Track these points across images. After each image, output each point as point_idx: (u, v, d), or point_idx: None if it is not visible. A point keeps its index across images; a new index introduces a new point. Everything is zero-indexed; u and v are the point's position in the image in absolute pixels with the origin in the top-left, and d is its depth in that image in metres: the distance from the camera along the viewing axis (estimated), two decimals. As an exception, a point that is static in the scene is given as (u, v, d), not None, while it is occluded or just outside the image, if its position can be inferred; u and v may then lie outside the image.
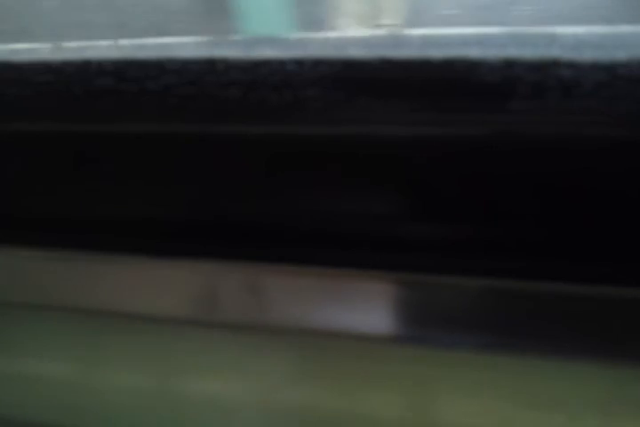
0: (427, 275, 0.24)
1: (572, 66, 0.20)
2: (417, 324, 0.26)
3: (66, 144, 0.26)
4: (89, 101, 0.24)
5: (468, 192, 0.23)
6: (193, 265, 0.28)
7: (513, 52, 0.21)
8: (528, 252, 0.23)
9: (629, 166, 0.21)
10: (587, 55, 0.20)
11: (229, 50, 0.23)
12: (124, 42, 0.26)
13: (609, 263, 0.22)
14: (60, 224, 0.29)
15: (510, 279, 0.23)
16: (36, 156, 0.27)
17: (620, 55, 0.20)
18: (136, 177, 0.27)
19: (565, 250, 0.22)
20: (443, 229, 0.23)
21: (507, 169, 0.22)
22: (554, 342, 0.24)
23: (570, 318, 0.23)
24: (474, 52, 0.21)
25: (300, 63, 0.22)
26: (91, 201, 0.28)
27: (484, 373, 0.27)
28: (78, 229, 0.28)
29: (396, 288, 0.25)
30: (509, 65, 0.20)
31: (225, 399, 0.33)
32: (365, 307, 0.26)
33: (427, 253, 0.24)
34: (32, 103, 0.25)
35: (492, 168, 0.23)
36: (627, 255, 0.22)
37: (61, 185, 0.27)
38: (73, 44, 0.26)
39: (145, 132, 0.25)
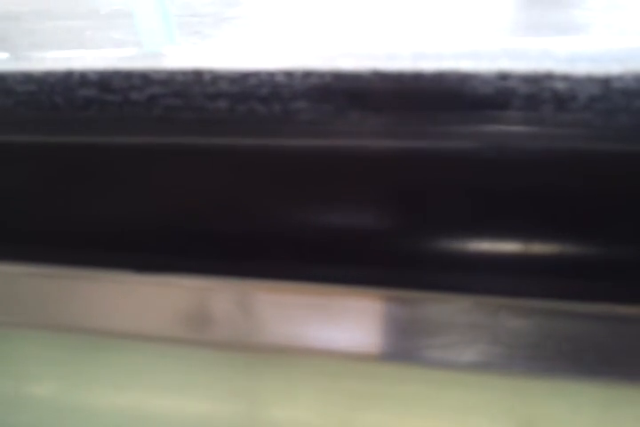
0: (419, 291, 0.24)
1: (566, 78, 0.19)
2: (408, 341, 0.25)
3: (48, 156, 0.26)
4: (72, 112, 0.24)
5: (460, 206, 0.22)
6: (179, 281, 0.27)
7: (507, 65, 0.20)
8: (520, 267, 0.22)
9: (624, 180, 0.21)
10: (580, 68, 0.20)
11: (216, 60, 0.23)
12: (108, 52, 0.25)
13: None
14: (41, 238, 0.28)
15: (503, 296, 0.23)
16: (16, 167, 0.26)
17: (615, 68, 0.20)
18: (121, 189, 0.26)
19: (548, 265, 0.22)
20: (437, 245, 0.23)
21: (500, 182, 0.22)
22: (551, 362, 0.23)
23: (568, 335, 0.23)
24: (467, 65, 0.21)
25: (289, 74, 0.22)
26: (73, 214, 0.27)
27: (477, 392, 0.26)
28: (61, 243, 0.28)
29: (387, 305, 0.25)
30: (503, 77, 0.20)
31: (211, 418, 0.33)
32: (357, 324, 0.26)
33: (421, 268, 0.23)
34: (14, 113, 0.25)
35: (485, 181, 0.22)
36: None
37: (42, 197, 0.27)
38: (56, 53, 0.26)
39: (129, 144, 0.25)
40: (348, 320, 0.26)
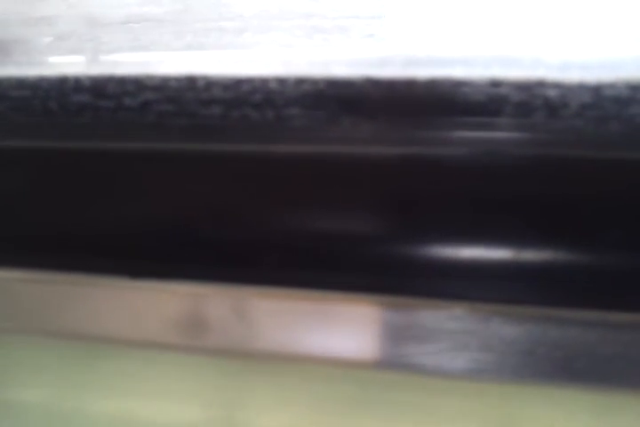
0: (411, 298, 0.24)
1: (558, 86, 0.20)
2: (400, 347, 0.25)
3: (42, 161, 0.26)
4: (65, 118, 0.24)
5: (452, 212, 0.22)
6: (173, 288, 0.27)
7: (499, 72, 0.20)
8: (512, 274, 0.22)
9: (615, 187, 0.21)
10: (573, 75, 0.20)
11: (210, 66, 0.23)
12: (102, 57, 0.25)
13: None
14: (34, 244, 0.28)
15: (495, 303, 0.23)
16: (10, 173, 0.26)
17: (607, 76, 0.20)
18: (115, 195, 0.26)
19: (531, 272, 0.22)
20: (428, 251, 0.23)
21: (492, 189, 0.22)
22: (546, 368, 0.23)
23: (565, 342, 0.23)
24: (459, 72, 0.21)
25: (282, 81, 0.22)
26: (67, 219, 0.27)
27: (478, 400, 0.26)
28: (54, 249, 0.28)
29: (380, 312, 0.25)
30: (495, 85, 0.20)
31: (204, 425, 0.32)
32: (350, 331, 0.26)
33: (412, 275, 0.23)
34: (7, 119, 0.25)
35: (476, 188, 0.22)
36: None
37: (36, 203, 0.27)
38: (50, 58, 0.26)
39: (123, 150, 0.25)
40: (340, 327, 0.26)
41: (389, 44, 0.22)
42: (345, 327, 0.26)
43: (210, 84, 0.22)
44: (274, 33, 0.25)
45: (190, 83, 0.22)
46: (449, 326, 0.23)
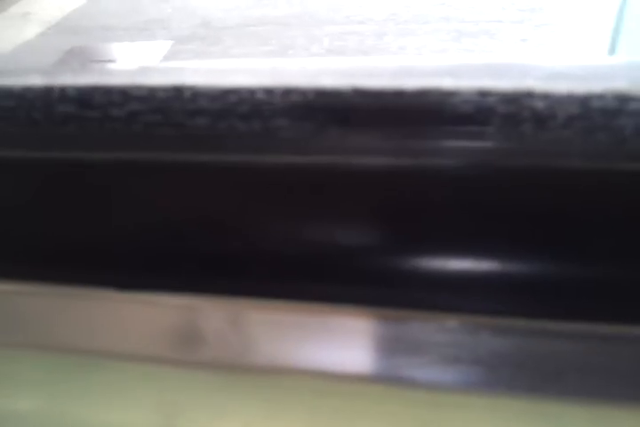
0: (401, 310, 0.23)
1: (546, 97, 0.19)
2: (391, 360, 0.25)
3: (27, 171, 0.25)
4: (51, 128, 0.23)
5: (441, 224, 0.22)
6: (164, 300, 0.27)
7: (487, 83, 0.20)
8: (501, 287, 0.22)
9: (603, 199, 0.21)
10: (561, 86, 0.20)
11: (197, 77, 0.23)
12: (89, 66, 0.25)
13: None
14: (21, 256, 0.27)
15: (492, 316, 0.23)
16: None
17: (595, 87, 0.20)
18: (103, 206, 0.26)
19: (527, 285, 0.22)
20: (417, 263, 0.23)
21: (480, 200, 0.22)
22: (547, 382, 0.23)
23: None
24: (447, 83, 0.20)
25: (269, 92, 0.21)
26: (57, 230, 0.27)
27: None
28: (49, 261, 0.27)
29: (371, 324, 0.25)
30: (483, 95, 0.20)
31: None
32: (340, 343, 0.25)
33: (401, 287, 0.23)
34: None
35: (465, 199, 0.22)
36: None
37: (21, 214, 0.26)
38: (37, 67, 0.25)
39: (109, 160, 0.24)
40: (330, 339, 0.25)
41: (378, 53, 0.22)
42: (334, 340, 0.25)
43: (196, 94, 0.22)
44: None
45: (177, 93, 0.22)
46: (439, 339, 0.23)
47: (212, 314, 0.27)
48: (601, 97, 0.19)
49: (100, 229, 0.26)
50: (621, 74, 0.21)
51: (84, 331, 0.29)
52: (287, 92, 0.21)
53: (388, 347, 0.24)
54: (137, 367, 0.30)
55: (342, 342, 0.25)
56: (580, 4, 2.24)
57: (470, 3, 2.35)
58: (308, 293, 0.25)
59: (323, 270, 0.24)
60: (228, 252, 0.25)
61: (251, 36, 2.33)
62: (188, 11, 2.58)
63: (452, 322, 0.23)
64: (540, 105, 0.19)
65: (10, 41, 2.50)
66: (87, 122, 0.23)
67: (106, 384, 0.32)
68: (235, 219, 0.25)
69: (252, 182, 0.24)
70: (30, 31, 2.58)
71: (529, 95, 0.20)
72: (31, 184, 0.26)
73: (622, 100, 0.19)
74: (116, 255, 0.27)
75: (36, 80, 0.24)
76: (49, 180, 0.26)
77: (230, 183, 0.24)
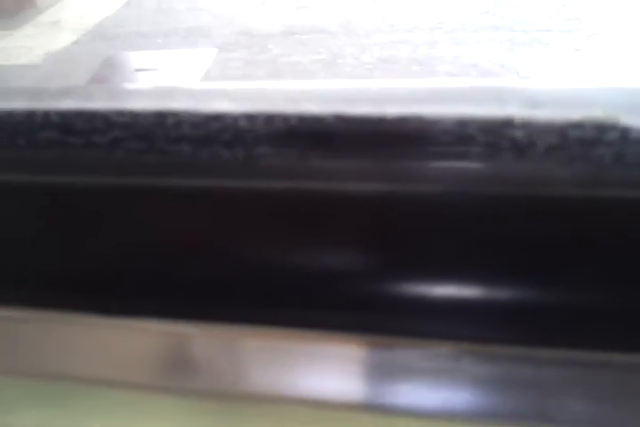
0: (382, 337, 0.24)
1: (525, 126, 0.20)
2: (388, 388, 0.25)
3: (9, 196, 0.25)
4: (33, 153, 0.23)
5: (422, 251, 0.22)
6: (158, 326, 0.27)
7: (467, 110, 0.20)
8: (483, 313, 0.22)
9: (584, 227, 0.21)
10: (540, 115, 0.20)
11: (180, 101, 0.23)
12: (73, 89, 0.25)
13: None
14: (12, 281, 0.27)
15: (482, 343, 0.23)
16: None
17: (574, 115, 0.20)
18: (88, 231, 0.26)
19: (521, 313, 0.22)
20: (400, 290, 0.23)
21: (462, 226, 0.22)
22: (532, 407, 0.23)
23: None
24: (428, 110, 0.21)
25: (252, 118, 0.21)
26: (41, 256, 0.27)
27: None
28: (36, 286, 0.27)
29: (367, 351, 0.25)
30: (463, 124, 0.20)
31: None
32: (337, 371, 0.25)
33: (384, 313, 0.23)
34: None
35: (449, 225, 0.22)
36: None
37: (6, 239, 0.26)
38: (20, 89, 0.25)
39: (94, 186, 0.24)
40: (319, 366, 0.25)
41: (358, 80, 0.22)
42: (325, 368, 0.25)
43: (179, 121, 0.22)
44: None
45: (159, 119, 0.22)
46: (422, 365, 0.23)
47: (201, 341, 0.27)
48: (579, 126, 0.19)
49: (86, 255, 0.26)
50: (601, 101, 0.21)
51: (73, 357, 0.28)
52: (270, 119, 0.21)
53: (377, 374, 0.24)
54: (126, 394, 0.30)
55: (331, 369, 0.25)
56: (622, 13, 2.22)
57: (515, 11, 2.31)
58: (295, 319, 0.25)
59: (311, 296, 0.24)
60: (213, 278, 0.25)
61: (297, 44, 2.24)
62: (226, 18, 2.52)
63: (439, 348, 0.23)
64: (519, 134, 0.19)
65: (43, 49, 2.46)
66: (70, 148, 0.23)
67: (94, 412, 0.32)
68: (220, 245, 0.25)
69: (239, 209, 0.24)
70: (63, 39, 2.54)
71: (508, 124, 0.20)
72: (14, 209, 0.26)
73: (600, 129, 0.19)
74: (98, 281, 0.26)
75: (20, 104, 0.24)
76: (32, 205, 0.25)
77: (216, 209, 0.24)
